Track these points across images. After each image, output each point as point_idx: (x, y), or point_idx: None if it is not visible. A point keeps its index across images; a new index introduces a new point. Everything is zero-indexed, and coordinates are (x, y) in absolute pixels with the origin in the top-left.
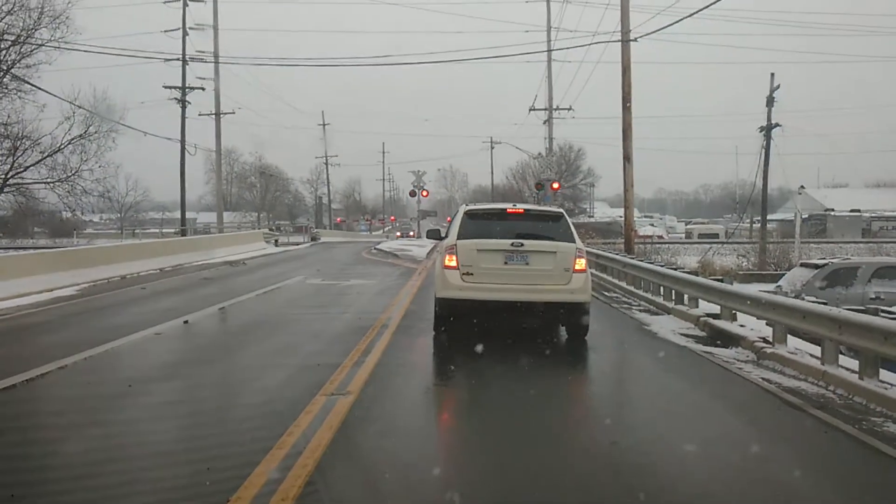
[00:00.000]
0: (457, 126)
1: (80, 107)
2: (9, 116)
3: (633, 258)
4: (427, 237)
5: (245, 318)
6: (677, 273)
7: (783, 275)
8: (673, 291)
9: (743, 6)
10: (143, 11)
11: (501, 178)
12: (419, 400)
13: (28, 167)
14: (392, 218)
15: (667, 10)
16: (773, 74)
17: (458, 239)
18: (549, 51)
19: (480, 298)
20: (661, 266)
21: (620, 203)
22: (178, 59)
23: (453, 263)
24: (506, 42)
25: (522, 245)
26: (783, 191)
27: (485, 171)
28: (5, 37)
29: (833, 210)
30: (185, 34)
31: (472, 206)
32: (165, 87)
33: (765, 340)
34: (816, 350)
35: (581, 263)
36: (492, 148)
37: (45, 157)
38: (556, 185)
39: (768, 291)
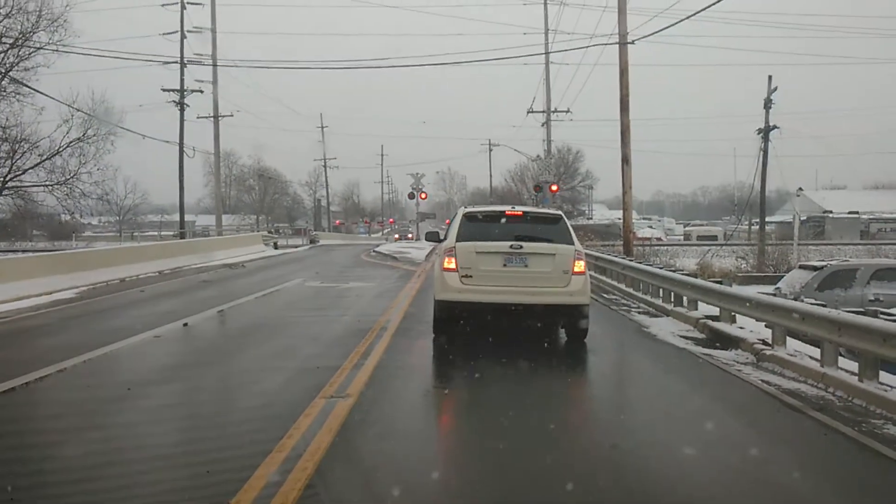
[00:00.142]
0: (455, 128)
1: (78, 110)
2: (7, 119)
3: (631, 260)
4: (426, 240)
5: (244, 320)
6: (676, 275)
7: (782, 277)
8: (672, 293)
9: (741, 8)
10: (142, 14)
11: (500, 181)
12: (418, 402)
13: (27, 170)
14: (391, 220)
15: (665, 13)
16: (770, 77)
17: (456, 241)
18: (547, 53)
19: (479, 301)
20: (660, 268)
21: (619, 205)
22: (176, 63)
23: (452, 266)
24: (504, 44)
25: (521, 247)
26: (781, 193)
27: (483, 173)
28: (3, 40)
29: (831, 212)
30: (183, 37)
31: (470, 209)
32: (164, 91)
33: (764, 342)
34: (816, 352)
35: (580, 265)
36: (490, 150)
37: (43, 160)
38: (554, 188)
39: (767, 293)
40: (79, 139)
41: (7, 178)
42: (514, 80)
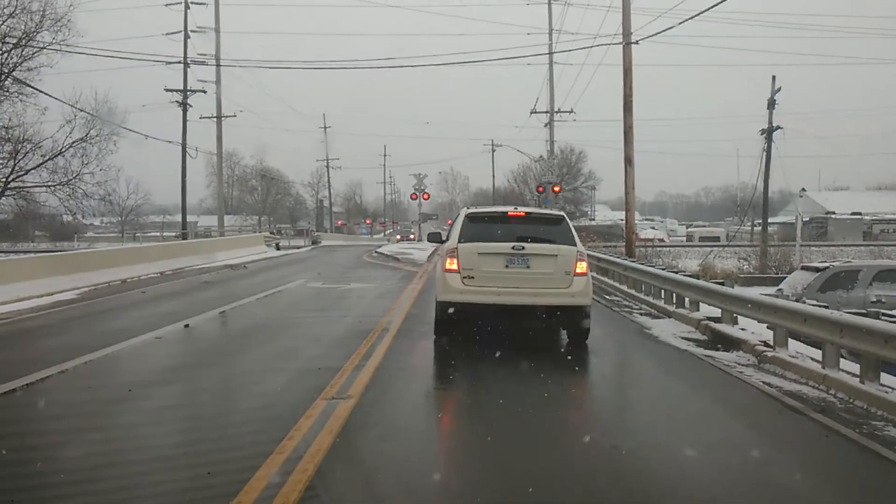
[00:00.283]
0: (458, 129)
1: (81, 110)
2: (10, 120)
3: (634, 261)
4: (428, 240)
5: (246, 321)
6: (678, 276)
7: (784, 278)
8: (674, 295)
9: (744, 8)
10: (145, 14)
11: (503, 181)
12: (420, 404)
13: (29, 170)
14: (394, 222)
15: (668, 13)
16: (774, 77)
17: (459, 242)
18: (551, 53)
19: (481, 302)
20: (662, 269)
21: (621, 206)
22: (179, 63)
23: (454, 267)
24: (507, 45)
25: (523, 248)
26: (784, 193)
27: (486, 173)
28: (7, 40)
29: (834, 213)
30: (186, 37)
31: (473, 210)
32: (167, 91)
33: (766, 344)
34: (817, 354)
35: (582, 267)
36: (493, 151)
37: (46, 161)
38: (557, 188)
39: (769, 295)
40: (81, 139)
41: (10, 179)
42: (517, 80)
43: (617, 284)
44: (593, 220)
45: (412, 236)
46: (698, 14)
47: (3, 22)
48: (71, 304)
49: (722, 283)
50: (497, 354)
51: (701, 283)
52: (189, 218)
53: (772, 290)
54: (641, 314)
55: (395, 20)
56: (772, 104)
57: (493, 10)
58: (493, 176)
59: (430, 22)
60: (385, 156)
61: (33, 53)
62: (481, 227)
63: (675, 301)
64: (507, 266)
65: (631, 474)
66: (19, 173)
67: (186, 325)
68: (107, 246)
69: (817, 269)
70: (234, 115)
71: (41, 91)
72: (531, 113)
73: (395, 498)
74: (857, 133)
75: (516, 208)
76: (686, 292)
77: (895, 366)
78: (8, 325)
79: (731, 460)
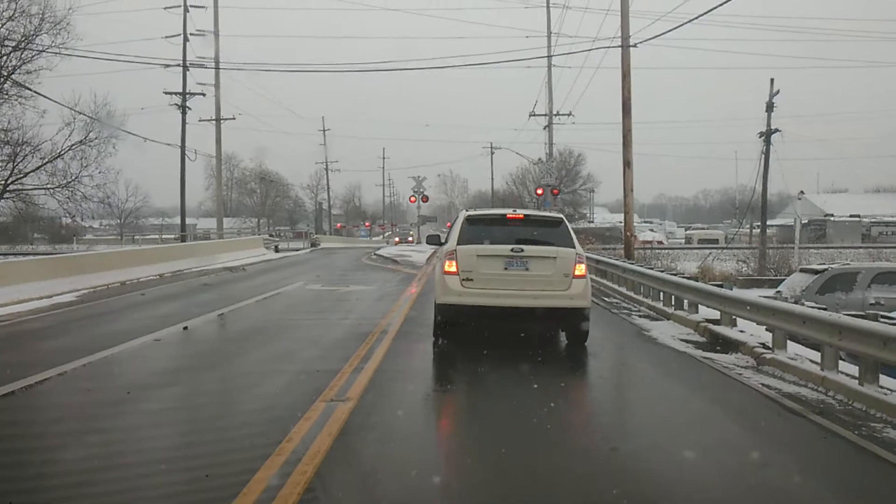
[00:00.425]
0: (457, 132)
1: (80, 112)
2: (9, 122)
3: (632, 263)
4: (427, 243)
5: (244, 323)
6: (677, 278)
7: (783, 280)
8: (673, 297)
9: (743, 12)
10: (144, 18)
11: (501, 184)
12: (418, 406)
13: (28, 173)
14: (393, 224)
15: (667, 16)
16: (772, 80)
17: (458, 244)
18: (550, 56)
19: (480, 304)
20: (661, 271)
21: (620, 208)
22: (178, 66)
23: (453, 269)
24: (506, 48)
25: (522, 250)
26: (783, 196)
27: (485, 176)
28: (6, 43)
29: (833, 215)
30: (185, 40)
31: (472, 212)
32: (166, 93)
33: (764, 346)
34: (816, 356)
35: (581, 269)
36: (492, 153)
37: (45, 163)
38: (555, 191)
39: (768, 297)
40: (80, 142)
41: (8, 182)
42: (516, 83)
43: (616, 286)
44: (592, 222)
45: (410, 238)
46: (697, 17)
47: (3, 25)
48: (70, 307)
49: (721, 286)
50: (496, 357)
51: (700, 285)
52: (188, 220)
53: (770, 292)
54: (640, 316)
55: (394, 23)
56: (770, 107)
57: (492, 13)
58: (492, 178)
59: (429, 25)
60: (384, 158)
61: (32, 56)
62: (480, 229)
63: (673, 303)
64: (505, 268)
65: (630, 476)
66: (18, 176)
67: (185, 328)
68: (106, 248)
69: (816, 272)
70: (234, 118)
71: (40, 94)
72: (530, 116)
73: (394, 500)
74: (855, 136)
75: (515, 211)
76: (685, 294)
77: (894, 368)
78: (7, 327)
79: (730, 462)
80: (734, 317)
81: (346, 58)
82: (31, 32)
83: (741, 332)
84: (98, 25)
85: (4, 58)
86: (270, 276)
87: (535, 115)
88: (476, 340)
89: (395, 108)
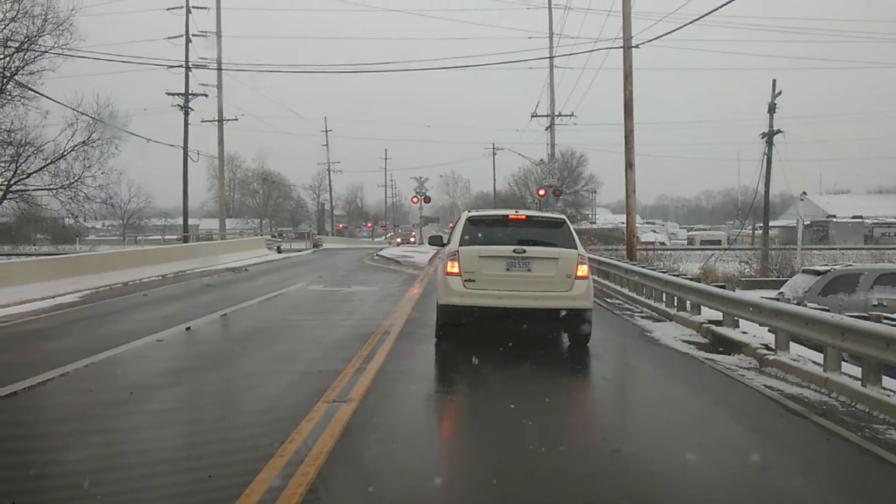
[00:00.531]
0: (459, 132)
1: (83, 113)
2: (12, 123)
3: (635, 264)
4: (429, 243)
5: (247, 324)
6: (679, 280)
7: (785, 281)
8: (675, 298)
9: (745, 13)
10: (147, 19)
11: (503, 185)
12: (421, 407)
13: (31, 174)
14: (395, 225)
15: (669, 17)
16: (774, 81)
17: (460, 245)
18: (552, 57)
19: (482, 305)
20: (664, 272)
21: (622, 209)
22: (181, 67)
23: (455, 270)
24: (509, 48)
25: (524, 251)
26: (785, 197)
27: (487, 177)
28: (9, 44)
29: (835, 216)
30: (188, 41)
31: (474, 213)
32: (168, 94)
33: (767, 347)
34: (819, 357)
35: (583, 270)
36: (494, 154)
37: (48, 164)
38: (557, 192)
39: (770, 298)
40: (83, 143)
41: (11, 182)
42: (518, 83)
43: (618, 287)
44: (594, 223)
45: (412, 239)
46: (699, 18)
47: (6, 26)
48: (72, 307)
49: (723, 287)
50: (498, 357)
51: (702, 286)
52: (190, 221)
53: (773, 293)
54: (642, 317)
55: (397, 24)
56: (772, 108)
57: (495, 14)
58: (494, 179)
59: (432, 26)
60: (386, 159)
61: (35, 57)
62: (482, 230)
63: (676, 304)
64: (508, 269)
65: (632, 477)
66: (21, 177)
67: (188, 328)
68: (108, 249)
69: (818, 273)
70: (236, 119)
71: (43, 95)
72: (532, 116)
73: (397, 501)
74: (857, 137)
75: (517, 212)
76: (687, 296)
77: None
78: (9, 327)
79: (733, 463)
80: (737, 318)
81: (348, 59)
82: (34, 33)
83: (744, 333)
84: (101, 26)
85: (7, 59)
86: (273, 277)
87: (537, 115)
88: (478, 341)
89: (398, 108)
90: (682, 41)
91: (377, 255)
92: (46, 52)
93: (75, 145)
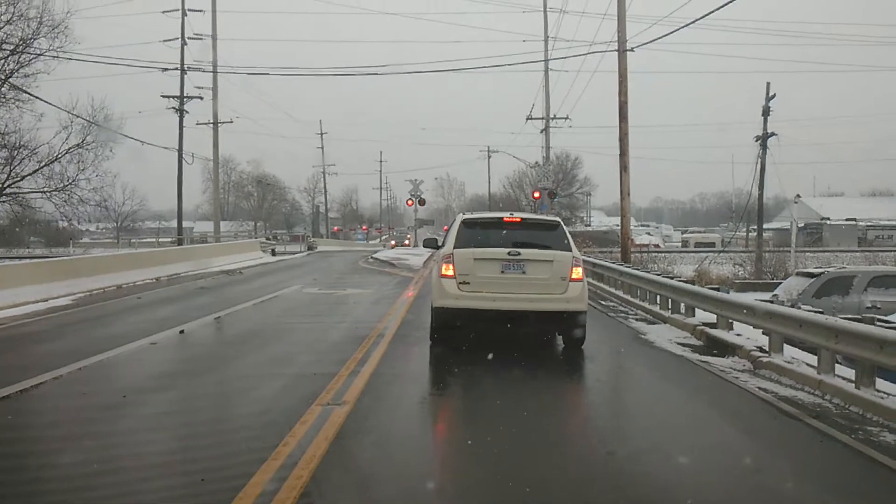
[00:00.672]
0: (454, 135)
1: (78, 116)
2: (6, 126)
3: (629, 267)
4: (424, 246)
5: (241, 327)
6: (674, 282)
7: (780, 284)
8: (669, 300)
9: (739, 16)
10: (142, 21)
11: (498, 187)
12: (415, 410)
13: (25, 176)
14: (390, 228)
15: (664, 20)
16: (768, 84)
17: (454, 248)
18: (547, 60)
19: (477, 307)
20: (658, 275)
21: (617, 212)
22: (176, 69)
23: (450, 272)
24: (504, 52)
25: (519, 254)
26: (779, 199)
27: (482, 179)
28: (3, 46)
29: (829, 219)
30: (183, 44)
31: (469, 215)
32: (164, 97)
33: (761, 349)
34: (813, 359)
35: (578, 272)
36: (489, 157)
37: (42, 167)
38: (552, 194)
39: (765, 300)
40: (78, 145)
41: (5, 185)
42: (513, 86)
43: (612, 290)
44: (589, 225)
45: (407, 242)
46: (694, 21)
47: (1, 29)
48: (66, 310)
49: (717, 289)
50: (493, 360)
51: (696, 288)
52: (185, 223)
53: (767, 295)
54: (637, 319)
55: (393, 27)
56: (766, 111)
57: (490, 17)
58: (489, 182)
59: (427, 29)
60: (381, 161)
61: (30, 60)
62: (477, 232)
63: (670, 306)
64: (502, 272)
65: (627, 480)
66: (15, 179)
67: (181, 331)
68: (102, 252)
69: (812, 275)
70: (231, 122)
71: (38, 97)
72: (527, 119)
73: None
74: (851, 140)
75: (512, 214)
76: (682, 298)
77: (890, 371)
78: (2, 330)
79: (727, 466)
80: (731, 320)
81: (343, 61)
82: (30, 36)
83: (738, 335)
84: (96, 29)
85: (2, 62)
86: (267, 280)
87: (532, 118)
88: (473, 344)
89: (393, 111)
90: (678, 44)
91: (372, 257)
92: (41, 54)
93: (70, 148)
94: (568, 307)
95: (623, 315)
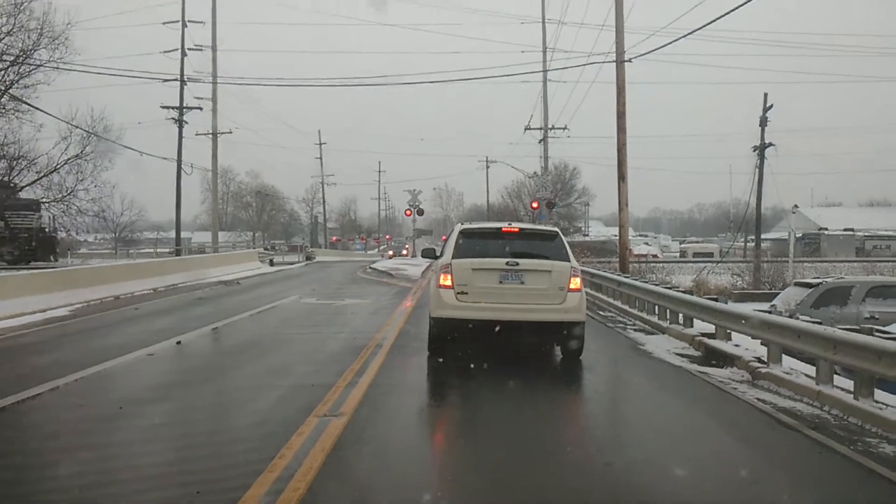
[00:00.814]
0: (453, 145)
1: (77, 127)
2: (6, 136)
3: (627, 277)
4: (422, 256)
5: (238, 338)
6: (672, 292)
7: (778, 294)
8: (668, 311)
9: (738, 27)
10: (142, 33)
11: (497, 198)
12: (413, 421)
13: (24, 187)
14: (388, 237)
15: (661, 31)
16: (766, 94)
17: (453, 258)
18: (545, 71)
19: (475, 318)
20: (656, 285)
21: (615, 222)
22: (176, 80)
23: (448, 282)
24: (502, 62)
25: (517, 264)
26: (777, 210)
27: (480, 190)
28: (4, 57)
29: (827, 229)
30: (183, 55)
31: (467, 225)
32: (163, 108)
33: (760, 360)
34: (811, 370)
35: (576, 282)
36: (487, 167)
37: (40, 178)
38: (550, 204)
39: (763, 311)
40: (77, 156)
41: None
42: (511, 97)
43: (611, 300)
44: (587, 235)
45: (405, 252)
46: (692, 32)
47: (1, 40)
48: (63, 321)
49: (715, 299)
50: (491, 370)
51: (695, 299)
52: (183, 234)
53: (765, 306)
54: (635, 330)
55: (391, 39)
56: (763, 121)
57: (489, 29)
58: (488, 192)
59: (426, 40)
60: (380, 172)
61: (30, 71)
62: (475, 242)
63: (668, 317)
64: (500, 282)
65: (624, 490)
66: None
67: (179, 342)
68: (100, 262)
69: (810, 285)
70: (230, 132)
71: (38, 108)
72: (525, 130)
73: None
74: (849, 150)
75: (510, 224)
76: (680, 308)
77: (889, 382)
78: (1, 341)
79: (725, 477)
80: (729, 331)
81: (342, 72)
82: (30, 47)
83: (736, 346)
84: (96, 40)
85: (2, 73)
86: (265, 290)
87: (530, 128)
88: (471, 354)
89: (392, 122)
90: (676, 55)
91: (370, 267)
92: (41, 65)
93: (69, 158)
94: (566, 317)
95: (621, 325)
